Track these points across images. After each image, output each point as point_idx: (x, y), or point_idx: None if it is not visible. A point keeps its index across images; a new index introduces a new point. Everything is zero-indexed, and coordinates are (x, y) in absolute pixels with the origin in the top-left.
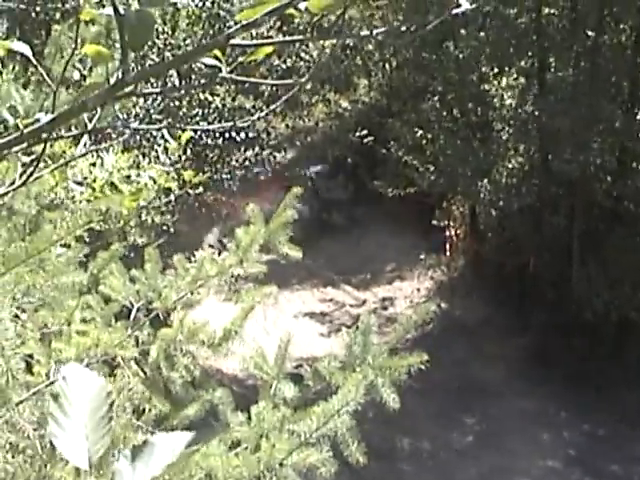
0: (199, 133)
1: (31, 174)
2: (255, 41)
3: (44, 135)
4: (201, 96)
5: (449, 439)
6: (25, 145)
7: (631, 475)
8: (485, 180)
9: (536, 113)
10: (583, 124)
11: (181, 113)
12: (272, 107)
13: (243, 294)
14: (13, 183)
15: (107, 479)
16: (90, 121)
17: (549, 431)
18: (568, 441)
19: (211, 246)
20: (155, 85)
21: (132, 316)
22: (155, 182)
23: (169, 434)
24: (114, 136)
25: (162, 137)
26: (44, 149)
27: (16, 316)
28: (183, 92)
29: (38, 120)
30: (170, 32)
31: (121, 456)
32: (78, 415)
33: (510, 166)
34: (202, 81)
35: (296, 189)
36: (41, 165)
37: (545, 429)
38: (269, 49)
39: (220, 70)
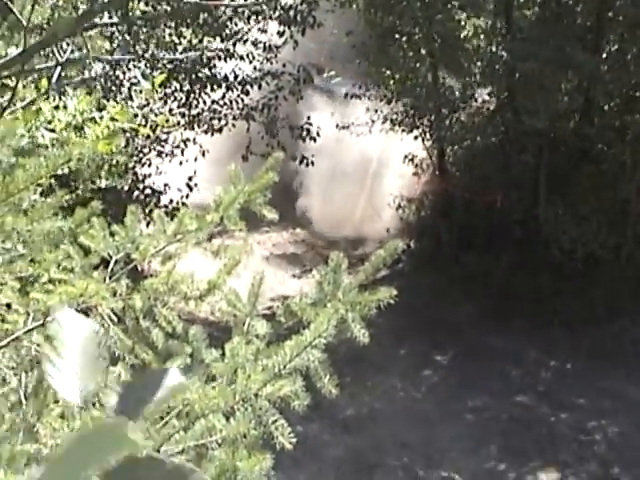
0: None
1: (5, 108)
2: None
3: (16, 68)
4: (167, 38)
5: (419, 376)
6: None
7: (598, 408)
8: (453, 118)
9: (503, 54)
10: (550, 66)
11: (148, 55)
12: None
13: (223, 250)
14: None
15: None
16: (61, 54)
17: (518, 368)
18: (536, 377)
19: (179, 189)
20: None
21: (110, 267)
22: (116, 122)
23: (157, 370)
24: (78, 78)
25: (129, 80)
26: (17, 82)
27: None
28: (149, 21)
29: (8, 55)
30: None
31: (112, 392)
32: (71, 355)
33: (477, 105)
34: (167, 9)
35: (279, 154)
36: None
37: (513, 366)
38: None
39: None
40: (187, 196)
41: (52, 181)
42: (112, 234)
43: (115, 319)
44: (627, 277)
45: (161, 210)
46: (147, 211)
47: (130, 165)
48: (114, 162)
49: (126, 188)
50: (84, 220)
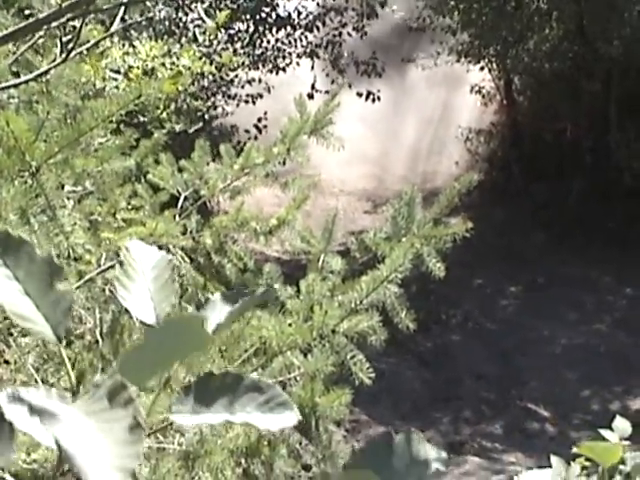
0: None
1: (71, 50)
2: None
3: (82, 9)
4: None
5: (493, 308)
6: (64, 20)
7: None
8: (519, 47)
9: None
10: None
11: None
12: None
13: (290, 182)
14: (54, 61)
15: None
16: None
17: (592, 296)
18: (612, 305)
19: (247, 131)
20: None
21: (179, 204)
22: (189, 68)
23: (229, 293)
24: (144, 23)
25: (193, 21)
26: (82, 23)
27: (63, 205)
28: None
29: None
30: None
31: (189, 311)
32: (142, 279)
33: (545, 32)
34: None
35: (342, 82)
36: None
37: (588, 294)
38: None
39: None
40: (256, 138)
41: (120, 122)
42: (180, 170)
43: (186, 257)
44: None
45: (228, 145)
46: (214, 152)
47: (197, 106)
48: (182, 104)
49: (192, 130)
50: (149, 152)
